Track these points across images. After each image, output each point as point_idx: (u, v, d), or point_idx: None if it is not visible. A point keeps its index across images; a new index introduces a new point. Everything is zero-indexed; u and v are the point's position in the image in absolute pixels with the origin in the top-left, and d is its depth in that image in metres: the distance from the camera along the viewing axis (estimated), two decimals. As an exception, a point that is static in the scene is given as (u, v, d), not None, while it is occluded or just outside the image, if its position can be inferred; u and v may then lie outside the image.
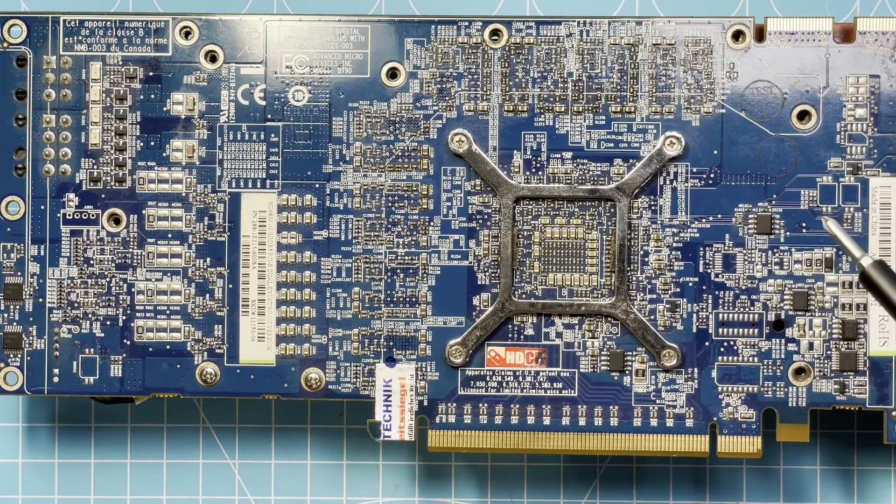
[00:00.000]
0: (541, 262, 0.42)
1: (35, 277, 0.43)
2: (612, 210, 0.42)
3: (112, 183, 0.43)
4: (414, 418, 0.42)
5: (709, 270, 0.42)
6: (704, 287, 0.42)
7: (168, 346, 0.43)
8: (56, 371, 0.43)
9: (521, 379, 0.42)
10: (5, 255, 0.43)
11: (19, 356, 0.43)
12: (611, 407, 0.42)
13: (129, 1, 0.46)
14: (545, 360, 0.42)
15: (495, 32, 0.42)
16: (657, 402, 0.42)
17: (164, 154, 0.42)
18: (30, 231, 0.43)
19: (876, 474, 0.45)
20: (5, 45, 0.42)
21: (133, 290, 0.43)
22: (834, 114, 0.42)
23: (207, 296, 0.42)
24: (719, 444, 0.42)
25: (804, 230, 0.42)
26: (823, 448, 0.45)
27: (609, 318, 0.42)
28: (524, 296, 0.42)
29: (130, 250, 0.43)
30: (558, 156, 0.42)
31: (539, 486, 0.46)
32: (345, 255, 0.42)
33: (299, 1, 0.46)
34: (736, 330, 0.42)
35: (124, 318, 0.43)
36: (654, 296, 0.42)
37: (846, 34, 0.42)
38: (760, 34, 0.42)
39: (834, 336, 0.42)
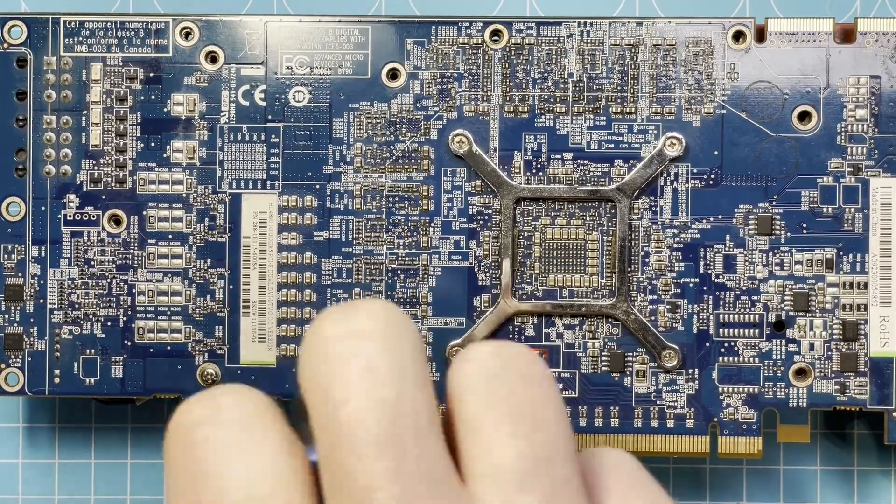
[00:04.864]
0: (541, 262, 0.42)
1: (36, 278, 0.43)
2: (613, 211, 0.42)
3: (112, 184, 0.43)
4: (415, 419, 0.42)
5: (709, 271, 0.42)
6: (705, 288, 0.42)
7: (169, 347, 0.43)
8: (57, 372, 0.43)
9: (521, 380, 0.42)
10: (6, 256, 0.43)
11: (20, 357, 0.43)
12: (611, 407, 0.42)
13: (129, 2, 0.46)
14: (546, 361, 0.42)
15: (496, 33, 0.42)
16: (658, 402, 0.42)
17: (165, 155, 0.42)
18: (30, 232, 0.43)
19: (876, 475, 0.45)
20: (5, 45, 0.42)
21: (134, 290, 0.43)
22: (834, 114, 0.42)
23: (208, 297, 0.42)
24: (720, 444, 0.42)
25: (805, 231, 0.42)
26: (824, 449, 0.45)
27: (610, 319, 0.42)
28: (525, 297, 0.42)
29: (131, 251, 0.43)
30: (559, 156, 0.42)
31: (539, 486, 0.46)
32: (345, 256, 0.42)
33: (299, 1, 0.46)
34: (736, 331, 0.42)
35: (125, 318, 0.43)
36: (655, 296, 0.42)
37: (847, 35, 0.42)
38: (761, 35, 0.42)
39: (835, 337, 0.42)
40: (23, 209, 0.43)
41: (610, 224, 0.42)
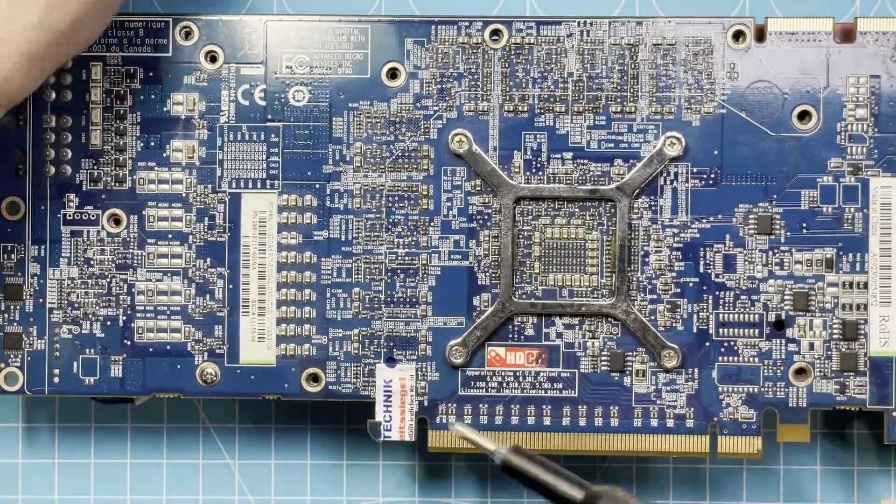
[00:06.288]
0: (541, 262, 0.42)
1: (35, 278, 0.43)
2: (613, 210, 0.42)
3: (112, 183, 0.43)
4: (414, 419, 0.42)
5: (709, 271, 0.42)
6: (705, 287, 0.42)
7: (168, 347, 0.43)
8: (56, 371, 0.43)
9: (521, 379, 0.42)
10: (6, 255, 0.43)
11: (20, 356, 0.43)
12: (611, 407, 0.42)
13: (129, 1, 0.46)
14: (545, 361, 0.42)
15: (495, 32, 0.42)
16: (657, 402, 0.42)
17: (165, 154, 0.42)
18: (30, 231, 0.43)
19: (876, 475, 0.45)
20: (5, 45, 0.42)
21: (133, 290, 0.43)
22: (834, 114, 0.42)
23: (208, 296, 0.42)
24: (720, 444, 0.42)
25: (804, 230, 0.42)
26: (823, 448, 0.45)
27: (609, 319, 0.42)
28: (524, 296, 0.42)
29: (131, 251, 0.43)
30: (559, 156, 0.42)
31: (539, 486, 0.46)
32: (345, 256, 0.42)
33: (299, 1, 0.46)
34: (736, 330, 0.42)
35: (124, 318, 0.43)
36: (655, 296, 0.42)
37: (847, 34, 0.42)
38: (761, 34, 0.42)
39: (834, 336, 0.42)
40: (22, 209, 0.43)
41: (610, 224, 0.42)
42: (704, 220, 0.42)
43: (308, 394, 0.42)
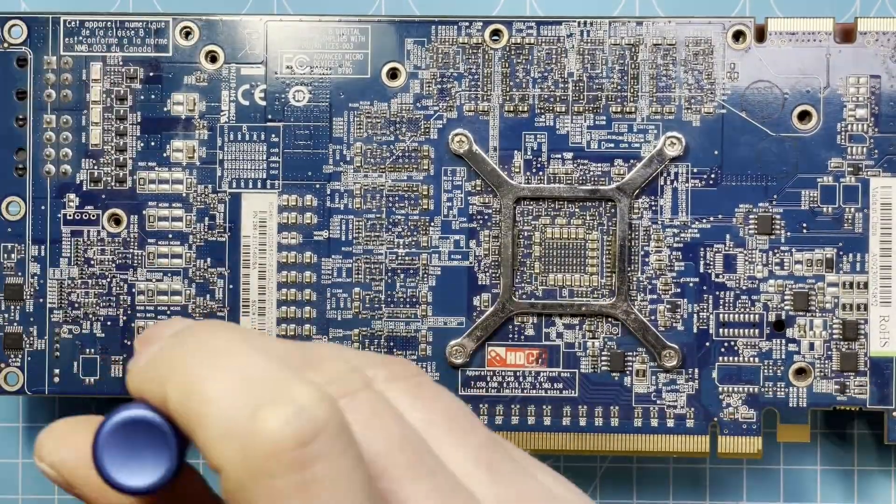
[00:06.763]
0: (541, 262, 0.42)
1: (35, 278, 0.43)
2: (613, 210, 0.42)
3: (112, 183, 0.43)
4: (414, 419, 0.42)
5: (709, 271, 0.42)
6: (705, 287, 0.42)
7: (168, 347, 0.42)
8: (56, 371, 0.43)
9: (521, 379, 0.42)
10: (6, 255, 0.43)
11: (20, 356, 0.43)
12: (611, 407, 0.42)
13: (129, 1, 0.46)
14: (546, 361, 0.42)
15: (496, 33, 0.42)
16: (658, 402, 0.42)
17: (165, 154, 0.42)
18: (30, 231, 0.43)
19: (876, 475, 0.45)
20: (6, 45, 0.42)
21: (133, 290, 0.43)
22: (834, 114, 0.42)
23: (208, 296, 0.42)
24: (720, 444, 0.42)
25: (805, 230, 0.42)
26: (824, 448, 0.45)
27: (609, 319, 0.42)
28: (525, 296, 0.42)
29: (131, 251, 0.43)
30: (559, 156, 0.42)
31: (539, 486, 0.46)
32: (345, 256, 0.42)
33: (299, 1, 0.46)
34: (736, 330, 0.42)
35: (125, 318, 0.43)
36: (655, 296, 0.42)
37: (847, 34, 0.42)
38: (761, 34, 0.42)
39: (834, 336, 0.42)
40: (23, 209, 0.43)
41: (610, 224, 0.42)
42: (704, 220, 0.42)
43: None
